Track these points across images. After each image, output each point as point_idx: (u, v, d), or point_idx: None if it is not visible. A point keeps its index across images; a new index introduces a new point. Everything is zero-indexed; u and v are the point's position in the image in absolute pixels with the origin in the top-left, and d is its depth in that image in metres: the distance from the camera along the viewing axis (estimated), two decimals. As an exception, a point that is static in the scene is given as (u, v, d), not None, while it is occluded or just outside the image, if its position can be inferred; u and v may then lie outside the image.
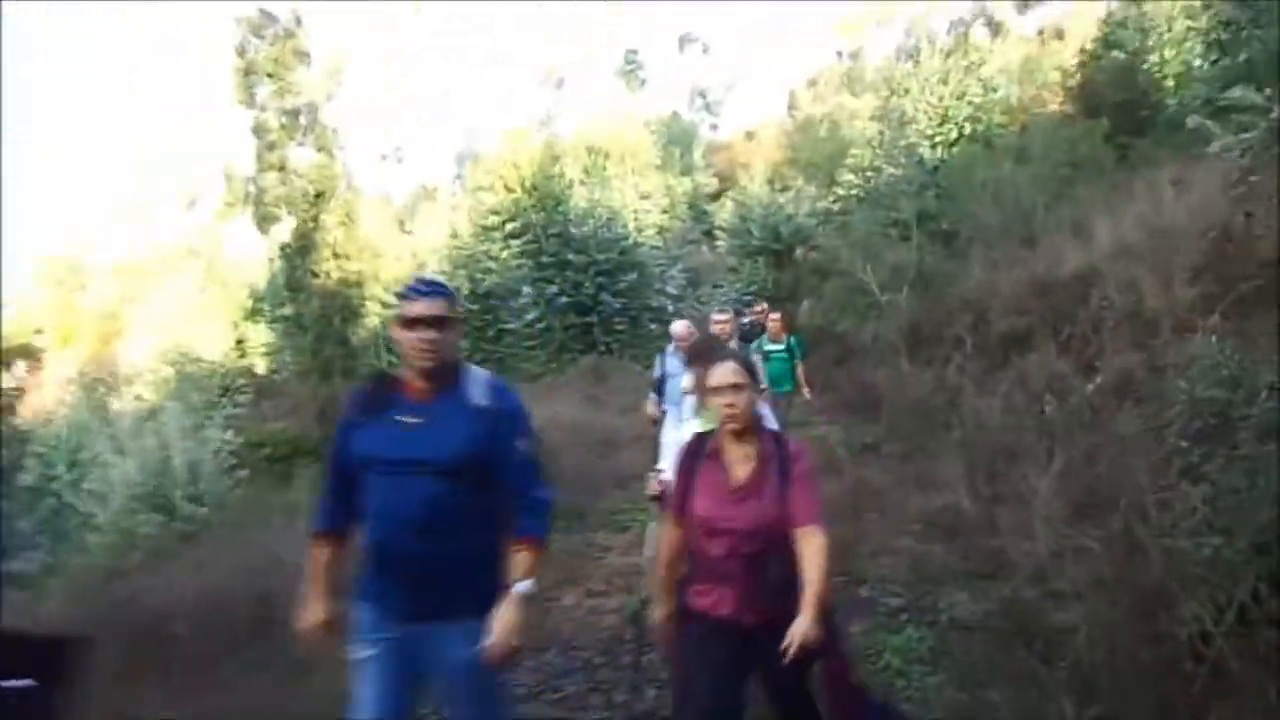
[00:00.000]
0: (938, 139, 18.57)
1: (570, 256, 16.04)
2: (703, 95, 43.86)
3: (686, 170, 34.24)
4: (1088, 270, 9.51)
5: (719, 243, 22.89)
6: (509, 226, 16.86)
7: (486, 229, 18.00)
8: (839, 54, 50.78)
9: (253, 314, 32.98)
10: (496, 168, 17.96)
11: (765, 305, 11.15)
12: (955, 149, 18.21)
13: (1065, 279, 9.80)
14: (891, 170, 19.04)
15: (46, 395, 31.19)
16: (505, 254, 16.93)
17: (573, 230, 16.05)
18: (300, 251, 20.50)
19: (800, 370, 8.80)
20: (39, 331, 47.10)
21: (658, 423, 6.15)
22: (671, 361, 6.17)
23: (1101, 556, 4.35)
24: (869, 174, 20.25)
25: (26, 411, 29.25)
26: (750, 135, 47.43)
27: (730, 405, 2.56)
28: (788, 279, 20.40)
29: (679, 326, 6.28)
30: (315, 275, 20.66)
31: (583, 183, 17.29)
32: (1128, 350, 7.52)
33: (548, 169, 16.89)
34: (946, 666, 4.22)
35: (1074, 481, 5.75)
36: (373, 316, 24.64)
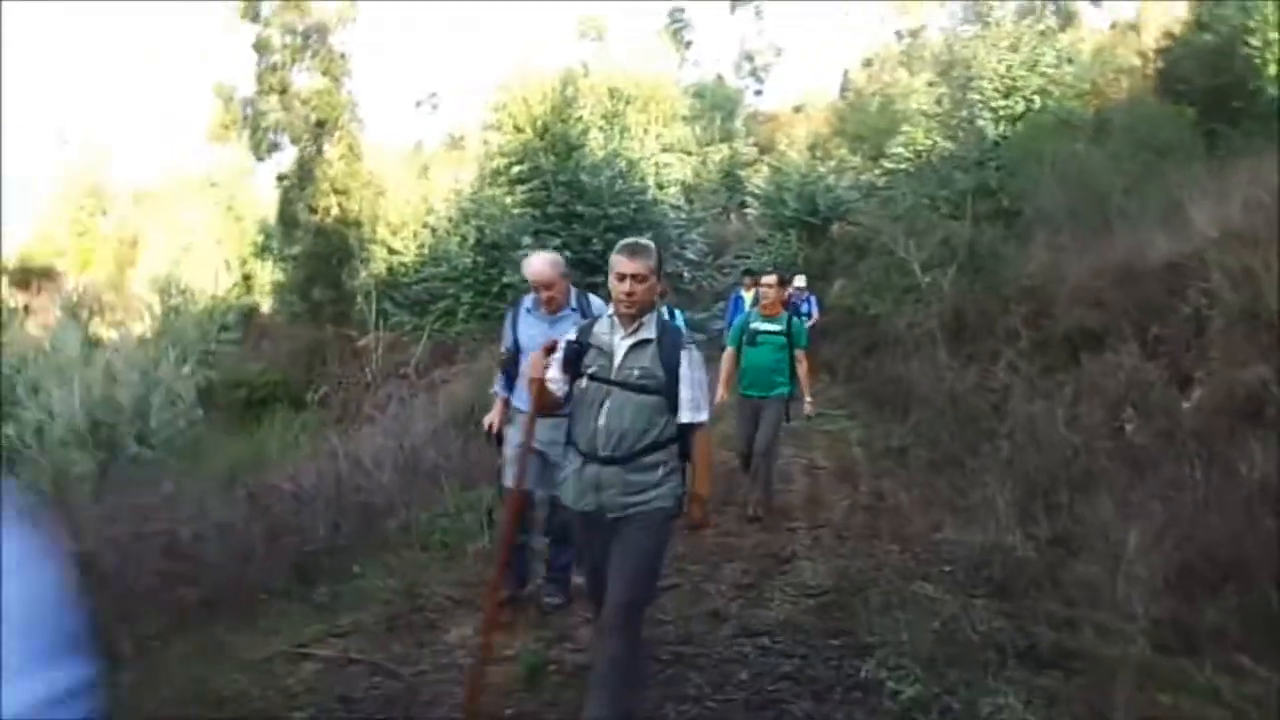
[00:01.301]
0: (1002, 112, 16.59)
1: (580, 208, 14.39)
2: (750, 59, 41.71)
3: (726, 137, 32.34)
4: (1184, 260, 7.73)
5: (749, 211, 21.13)
6: (515, 170, 15.26)
7: (494, 173, 16.43)
8: (898, 34, 48.35)
9: (262, 250, 31.79)
10: (507, 104, 16.36)
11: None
12: (1021, 124, 16.24)
13: (1153, 269, 8.02)
14: (946, 145, 17.17)
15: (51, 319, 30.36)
16: (509, 200, 15.36)
17: (585, 179, 14.39)
18: (299, 184, 19.10)
19: (802, 365, 6.00)
20: (60, 254, 46.50)
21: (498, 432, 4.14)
22: (529, 324, 3.97)
23: (1250, 671, 2.74)
24: (921, 149, 18.34)
25: (30, 332, 28.37)
26: (798, 109, 45.32)
27: None
28: (820, 255, 18.66)
29: (539, 264, 3.95)
30: (313, 211, 19.25)
31: (601, 129, 15.64)
32: (1241, 358, 5.80)
33: (562, 110, 15.25)
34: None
35: (1179, 533, 4.11)
36: (378, 262, 23.24)
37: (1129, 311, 7.43)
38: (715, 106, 34.49)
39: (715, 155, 28.43)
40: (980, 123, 16.40)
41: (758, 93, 41.89)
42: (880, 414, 9.40)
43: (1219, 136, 14.72)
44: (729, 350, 6.03)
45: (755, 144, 33.06)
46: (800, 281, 11.22)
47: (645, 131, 17.31)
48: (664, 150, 17.95)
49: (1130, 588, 3.76)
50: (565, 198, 14.50)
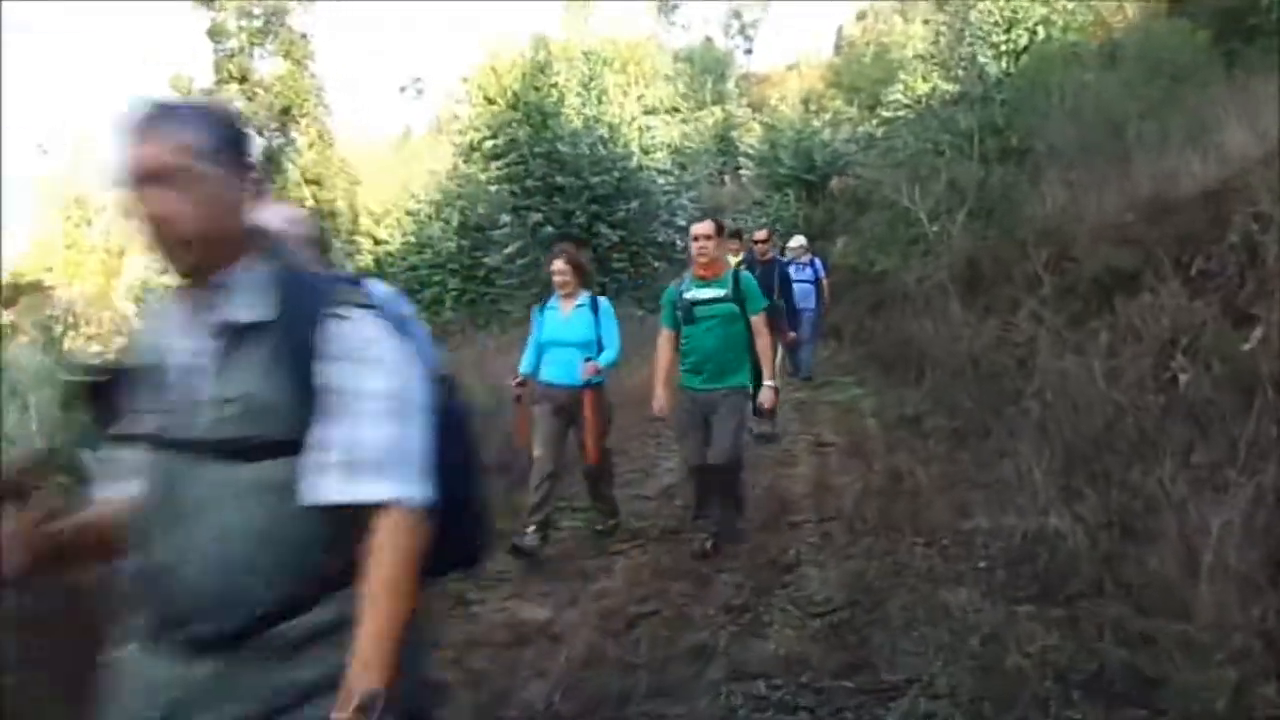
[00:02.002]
0: (1004, 47, 15.63)
1: (560, 180, 13.52)
2: (738, 15, 40.45)
3: (718, 99, 31.34)
4: (1223, 185, 6.86)
5: (743, 173, 20.21)
6: (489, 145, 14.39)
7: (469, 149, 15.57)
8: (891, -14, 46.77)
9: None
10: (475, 76, 15.46)
11: (766, 232, 8.36)
12: (1025, 58, 15.29)
13: (1189, 197, 7.15)
14: (947, 87, 16.23)
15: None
16: (484, 177, 14.52)
17: (563, 149, 13.51)
18: (268, 176, 18.25)
19: (763, 338, 4.41)
20: (49, 269, 45.99)
21: None
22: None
23: None
24: (920, 94, 17.39)
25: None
26: (791, 68, 44.16)
27: None
28: (821, 214, 17.77)
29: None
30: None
31: (579, 95, 14.73)
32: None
33: (534, 78, 14.34)
34: None
35: (1270, 512, 3.30)
36: (364, 254, 22.42)
37: (1165, 245, 6.57)
38: (705, 70, 33.42)
39: (708, 119, 27.46)
40: (981, 60, 15.45)
41: (748, 52, 40.66)
42: (891, 379, 8.60)
43: (1236, 56, 13.84)
44: (664, 334, 4.54)
45: (748, 105, 32.03)
46: (797, 241, 10.16)
47: (625, 94, 16.35)
48: (647, 112, 17.00)
49: (1219, 587, 2.98)
50: (544, 170, 13.64)
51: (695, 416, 4.36)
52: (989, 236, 9.62)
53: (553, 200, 13.50)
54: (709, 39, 38.14)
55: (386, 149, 40.87)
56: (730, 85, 34.04)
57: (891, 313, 10.83)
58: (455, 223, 18.00)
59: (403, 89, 50.46)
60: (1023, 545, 3.83)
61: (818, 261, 10.15)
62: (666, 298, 4.54)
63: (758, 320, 4.36)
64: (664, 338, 4.53)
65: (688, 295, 4.36)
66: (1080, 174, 9.90)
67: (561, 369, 4.46)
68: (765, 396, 4.45)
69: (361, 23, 72.14)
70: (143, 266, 32.19)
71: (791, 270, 8.88)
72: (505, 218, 13.40)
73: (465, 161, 15.72)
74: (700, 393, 4.32)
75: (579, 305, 4.53)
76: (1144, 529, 3.84)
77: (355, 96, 61.37)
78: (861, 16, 46.24)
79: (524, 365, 4.65)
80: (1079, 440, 4.99)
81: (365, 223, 22.21)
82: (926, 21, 18.69)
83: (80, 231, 44.38)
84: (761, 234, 7.99)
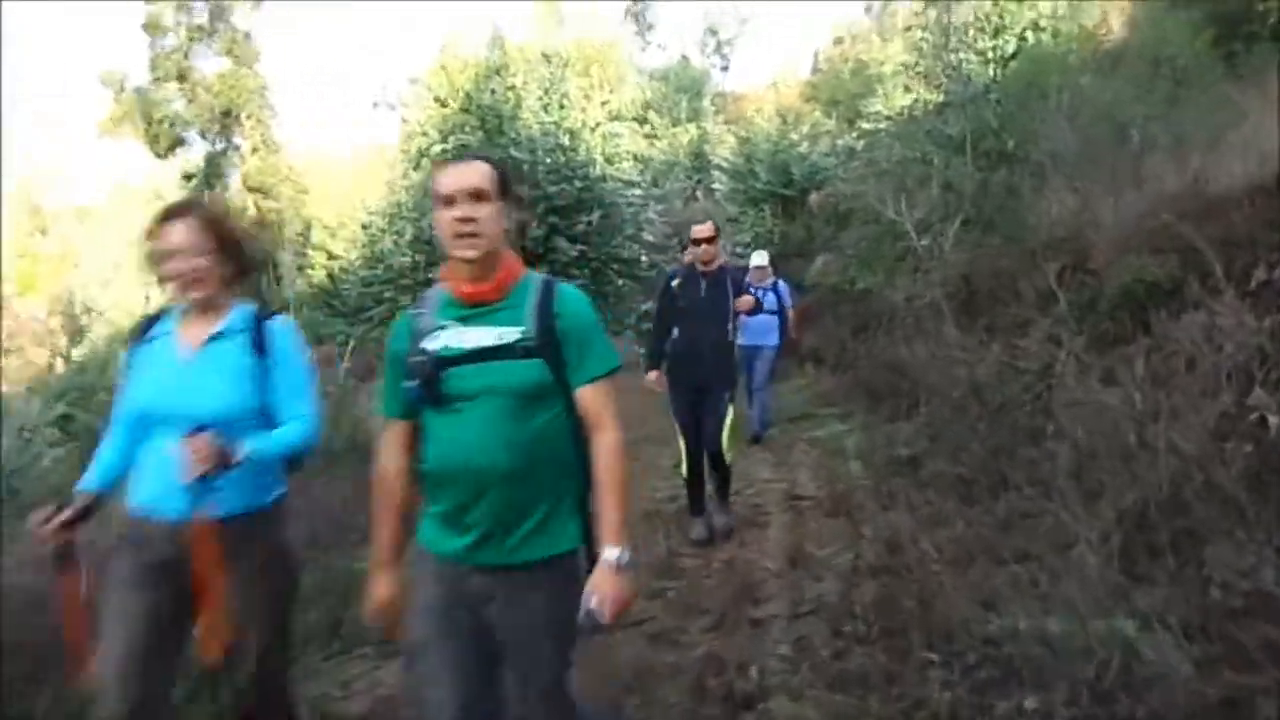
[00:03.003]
0: (990, 54, 14.71)
1: (516, 189, 12.34)
2: (714, 32, 39.54)
3: (694, 117, 30.51)
4: (1276, 181, 5.78)
5: (717, 188, 19.16)
6: (438, 150, 13.20)
7: (418, 155, 14.37)
8: (868, 9, 46.84)
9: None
10: (426, 78, 14.28)
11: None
12: (1013, 64, 14.41)
13: (1232, 196, 6.06)
14: (930, 96, 15.31)
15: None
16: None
17: (518, 155, 12.34)
18: (208, 183, 17.04)
19: (605, 437, 1.85)
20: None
21: None
22: None
23: None
24: (902, 106, 16.48)
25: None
26: (769, 87, 43.53)
27: None
28: (799, 231, 16.74)
29: None
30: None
31: (539, 99, 13.57)
32: None
33: (490, 79, 13.18)
34: None
35: None
36: (318, 269, 21.14)
37: (1215, 252, 5.45)
38: (681, 88, 32.55)
39: (683, 135, 26.57)
40: (967, 67, 14.53)
41: (724, 69, 39.80)
42: (880, 411, 7.41)
43: (1236, 58, 13.27)
44: (391, 431, 1.95)
45: (725, 121, 31.22)
46: (759, 259, 7.88)
47: (588, 98, 15.23)
48: (613, 118, 15.90)
49: None
50: (496, 178, 12.43)
51: (453, 620, 1.85)
52: (986, 247, 8.52)
53: (506, 211, 12.30)
54: (685, 57, 37.23)
55: (355, 162, 39.81)
56: (706, 102, 33.18)
57: (877, 335, 9.73)
58: (408, 235, 16.78)
59: (375, 104, 49.07)
60: (1096, 678, 2.60)
61: (782, 285, 7.96)
62: (391, 348, 1.94)
63: (595, 395, 1.86)
64: (389, 439, 1.96)
65: (431, 343, 1.85)
66: (1088, 178, 8.89)
67: (169, 484, 1.97)
68: (600, 585, 1.71)
69: (335, 39, 71.01)
70: (93, 279, 30.85)
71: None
72: (453, 229, 12.18)
73: (415, 169, 14.51)
74: (464, 568, 1.85)
75: (218, 336, 2.11)
76: (1261, 646, 2.64)
77: (329, 112, 60.31)
78: (839, 41, 45.81)
79: (90, 475, 2.12)
80: (1135, 502, 3.80)
81: (320, 236, 20.99)
82: (908, 29, 17.83)
83: (32, 240, 42.83)
84: (703, 229, 5.01)
